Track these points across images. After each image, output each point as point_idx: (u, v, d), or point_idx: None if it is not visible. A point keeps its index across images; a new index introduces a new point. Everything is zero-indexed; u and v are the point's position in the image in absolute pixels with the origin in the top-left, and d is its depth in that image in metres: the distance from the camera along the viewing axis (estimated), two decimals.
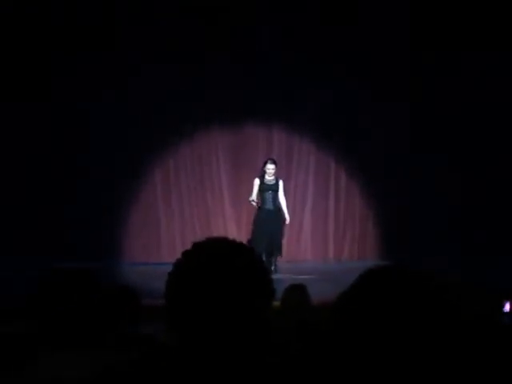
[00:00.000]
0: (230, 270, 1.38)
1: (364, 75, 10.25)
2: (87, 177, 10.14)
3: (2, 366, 1.90)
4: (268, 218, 9.04)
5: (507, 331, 2.54)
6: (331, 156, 10.96)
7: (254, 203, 9.12)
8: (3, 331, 2.17)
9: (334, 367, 1.32)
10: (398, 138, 10.37)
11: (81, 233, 9.97)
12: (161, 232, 10.87)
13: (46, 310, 2.03)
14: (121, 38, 10.05)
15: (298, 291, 4.25)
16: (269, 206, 9.10)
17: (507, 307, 3.84)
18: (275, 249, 9.12)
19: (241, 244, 1.45)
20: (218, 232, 10.40)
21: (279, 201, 9.17)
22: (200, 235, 10.17)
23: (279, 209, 9.16)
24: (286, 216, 9.19)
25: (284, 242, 9.44)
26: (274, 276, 8.50)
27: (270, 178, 9.13)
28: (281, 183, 9.22)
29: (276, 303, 3.98)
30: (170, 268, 1.44)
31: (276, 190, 9.15)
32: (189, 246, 1.45)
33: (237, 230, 10.62)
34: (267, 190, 9.11)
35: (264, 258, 8.88)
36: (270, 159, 9.37)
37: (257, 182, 9.16)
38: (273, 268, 8.95)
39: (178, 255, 1.45)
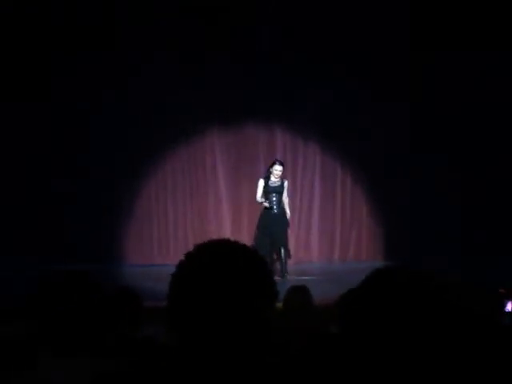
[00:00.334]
0: (232, 272, 1.38)
1: (364, 75, 10.24)
2: (87, 177, 10.14)
3: (1, 370, 1.90)
4: (273, 222, 8.76)
5: (507, 332, 2.54)
6: (331, 156, 10.95)
7: (266, 204, 8.77)
8: (3, 334, 2.17)
9: (337, 366, 1.32)
10: (398, 138, 10.37)
11: (81, 233, 9.98)
12: (161, 233, 10.86)
13: (45, 310, 2.03)
14: (121, 38, 10.05)
15: (299, 293, 4.24)
16: (273, 208, 8.80)
17: (509, 307, 3.84)
18: (284, 252, 8.84)
19: (243, 246, 1.45)
20: (218, 233, 10.40)
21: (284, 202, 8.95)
22: (200, 237, 10.18)
23: (284, 211, 8.93)
24: (287, 212, 8.95)
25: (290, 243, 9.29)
26: (282, 279, 8.48)
27: (275, 179, 8.85)
28: (286, 184, 8.96)
29: (279, 305, 3.98)
30: (166, 269, 1.44)
31: (281, 192, 8.87)
32: (190, 248, 1.45)
33: (237, 231, 10.58)
34: (272, 192, 8.82)
35: (269, 261, 8.83)
36: (277, 160, 9.10)
37: (261, 183, 8.89)
38: (283, 271, 8.72)
39: (178, 257, 1.45)
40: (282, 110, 10.61)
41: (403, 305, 1.30)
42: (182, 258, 1.43)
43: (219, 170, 10.89)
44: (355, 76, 10.22)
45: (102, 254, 9.99)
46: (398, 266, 1.36)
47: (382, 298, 1.33)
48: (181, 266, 1.42)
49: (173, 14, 10.14)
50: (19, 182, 9.98)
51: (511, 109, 9.96)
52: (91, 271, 2.18)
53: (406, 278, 1.34)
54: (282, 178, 8.99)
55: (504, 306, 3.64)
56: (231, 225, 10.85)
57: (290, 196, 9.35)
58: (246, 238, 9.52)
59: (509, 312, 3.81)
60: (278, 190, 8.86)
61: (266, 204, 8.79)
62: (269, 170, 8.98)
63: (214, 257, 1.40)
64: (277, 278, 8.46)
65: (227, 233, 10.44)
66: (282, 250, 8.87)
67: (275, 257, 9.06)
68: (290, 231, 9.34)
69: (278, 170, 8.86)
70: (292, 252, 9.40)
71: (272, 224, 8.78)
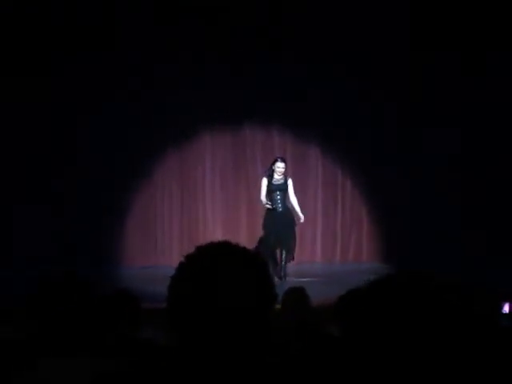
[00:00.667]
0: (232, 274, 1.38)
1: (364, 75, 10.24)
2: (87, 177, 10.14)
3: (1, 370, 1.90)
4: (277, 221, 8.64)
5: (506, 333, 2.54)
6: (332, 156, 10.95)
7: (269, 205, 8.67)
8: (3, 334, 2.17)
9: (337, 366, 1.32)
10: (397, 138, 10.37)
11: (81, 233, 9.98)
12: (160, 234, 10.85)
13: (45, 310, 2.03)
14: (121, 38, 10.04)
15: (297, 294, 4.25)
16: (278, 207, 8.68)
17: (506, 308, 3.84)
18: (286, 253, 8.73)
19: (243, 248, 1.45)
20: (217, 235, 10.40)
21: (289, 201, 8.83)
22: (200, 238, 10.18)
23: (289, 210, 8.82)
24: (300, 215, 8.81)
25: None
26: (281, 281, 8.44)
27: (278, 177, 8.73)
28: (290, 182, 8.84)
29: (278, 306, 3.98)
30: (166, 271, 1.44)
31: (285, 190, 8.75)
32: (190, 250, 1.45)
33: (236, 232, 10.55)
34: (275, 190, 8.70)
35: (270, 263, 8.76)
36: (279, 157, 9.00)
37: (265, 181, 8.77)
38: (282, 274, 8.64)
39: (178, 258, 1.45)
40: (281, 110, 10.59)
41: (403, 305, 1.30)
42: (182, 259, 1.44)
43: (218, 171, 10.87)
44: (355, 76, 10.22)
45: (102, 255, 9.99)
46: (399, 271, 1.36)
47: (382, 298, 1.33)
48: (181, 267, 1.42)
49: (173, 13, 10.14)
50: (19, 182, 9.98)
51: (511, 109, 9.96)
52: (91, 272, 2.18)
53: (406, 279, 1.34)
54: (286, 175, 8.89)
55: (501, 307, 3.63)
56: (230, 226, 10.82)
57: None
58: (245, 239, 9.43)
59: (505, 313, 3.80)
60: (282, 188, 8.76)
61: (269, 206, 8.70)
62: (271, 167, 8.86)
63: (213, 259, 1.40)
64: (276, 279, 8.44)
65: (226, 234, 10.38)
66: (284, 253, 8.77)
67: (278, 256, 8.93)
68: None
69: (280, 167, 8.76)
70: (300, 255, 9.29)
71: (277, 223, 8.65)
